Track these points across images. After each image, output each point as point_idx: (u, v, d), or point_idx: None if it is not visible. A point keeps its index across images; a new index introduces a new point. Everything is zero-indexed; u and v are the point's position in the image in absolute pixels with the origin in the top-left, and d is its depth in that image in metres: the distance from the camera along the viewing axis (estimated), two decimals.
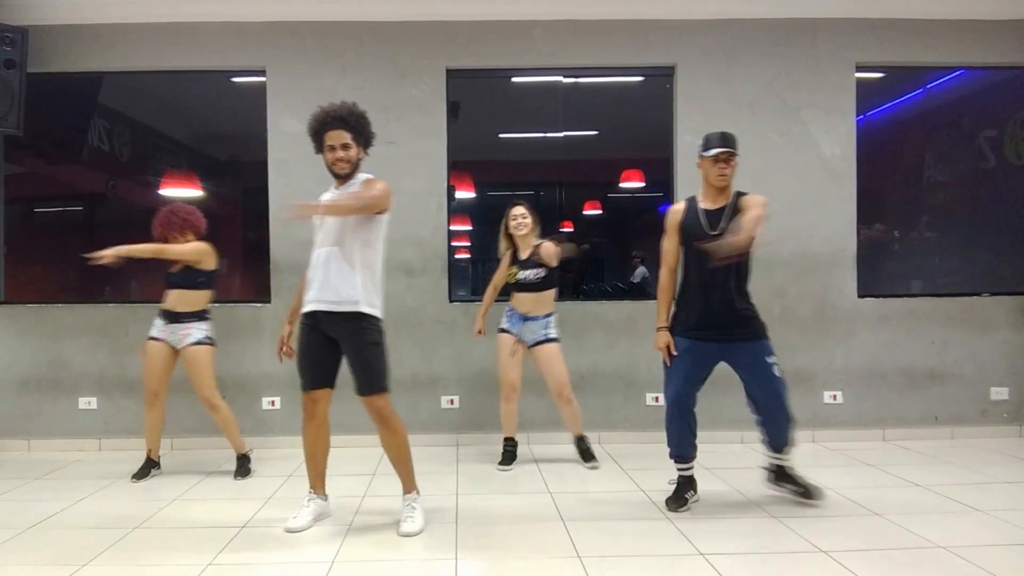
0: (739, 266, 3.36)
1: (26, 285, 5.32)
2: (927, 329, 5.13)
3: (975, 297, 5.19)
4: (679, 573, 2.76)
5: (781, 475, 3.63)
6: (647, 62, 5.18)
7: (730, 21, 5.10)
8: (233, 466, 4.30)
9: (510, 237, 4.42)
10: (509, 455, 4.48)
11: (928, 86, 5.50)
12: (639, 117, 5.57)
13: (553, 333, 4.36)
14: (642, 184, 5.76)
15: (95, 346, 5.02)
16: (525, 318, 4.35)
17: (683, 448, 3.53)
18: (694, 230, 3.41)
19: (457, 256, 5.41)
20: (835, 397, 5.08)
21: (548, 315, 4.37)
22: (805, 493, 3.55)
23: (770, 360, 3.43)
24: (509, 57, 5.11)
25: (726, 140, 3.41)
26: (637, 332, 5.08)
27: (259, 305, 4.96)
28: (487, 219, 5.87)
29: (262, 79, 5.09)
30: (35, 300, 5.15)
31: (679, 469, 3.59)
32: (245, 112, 5.21)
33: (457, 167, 5.17)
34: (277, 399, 5.01)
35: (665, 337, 3.48)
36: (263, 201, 5.05)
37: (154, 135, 5.66)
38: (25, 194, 5.43)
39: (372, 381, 3.19)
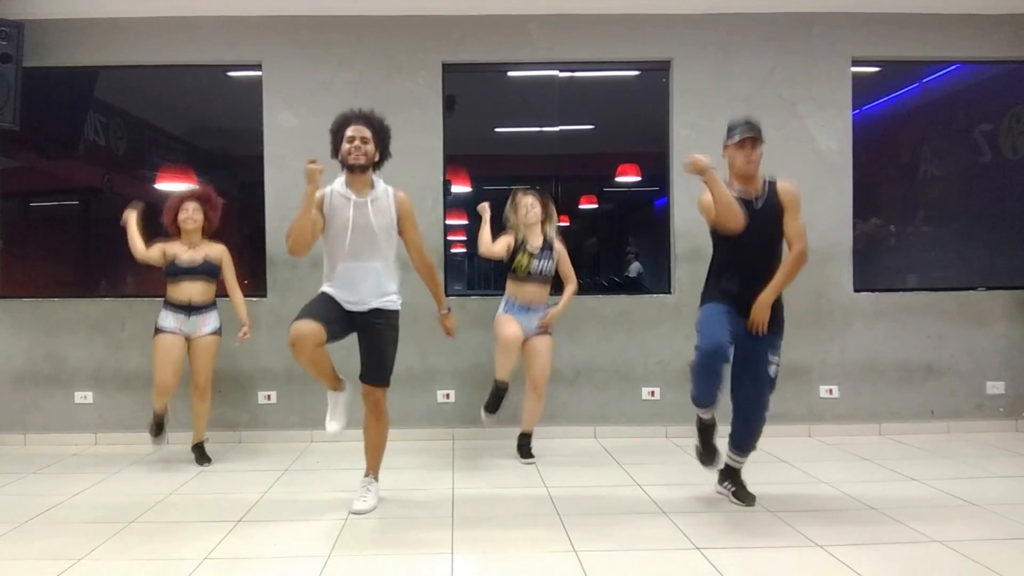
0: (772, 255, 3.32)
1: (22, 279, 5.30)
2: (923, 323, 5.14)
3: (971, 291, 5.19)
4: (675, 567, 2.76)
5: (730, 474, 3.52)
6: (643, 56, 5.17)
7: (726, 15, 5.09)
8: (228, 461, 4.35)
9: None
10: (495, 402, 4.34)
11: (924, 80, 5.50)
12: (635, 111, 5.57)
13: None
14: (638, 178, 5.76)
15: (91, 340, 5.01)
16: (527, 309, 4.34)
17: (711, 397, 3.25)
18: None
19: (453, 251, 5.41)
20: (831, 391, 5.09)
21: (548, 306, 4.39)
22: (740, 495, 3.45)
23: (772, 358, 3.36)
24: (505, 51, 5.10)
25: (750, 125, 3.28)
26: (632, 327, 5.08)
27: (255, 299, 4.95)
28: None
29: (258, 73, 5.08)
30: (31, 294, 5.13)
31: (704, 415, 3.33)
32: (241, 106, 5.19)
33: (453, 161, 5.16)
34: (273, 394, 5.01)
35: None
36: (259, 195, 5.04)
37: (150, 129, 5.64)
38: (21, 188, 5.42)
39: (385, 372, 3.43)
